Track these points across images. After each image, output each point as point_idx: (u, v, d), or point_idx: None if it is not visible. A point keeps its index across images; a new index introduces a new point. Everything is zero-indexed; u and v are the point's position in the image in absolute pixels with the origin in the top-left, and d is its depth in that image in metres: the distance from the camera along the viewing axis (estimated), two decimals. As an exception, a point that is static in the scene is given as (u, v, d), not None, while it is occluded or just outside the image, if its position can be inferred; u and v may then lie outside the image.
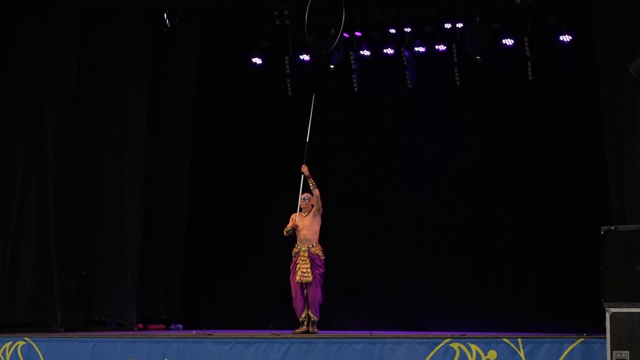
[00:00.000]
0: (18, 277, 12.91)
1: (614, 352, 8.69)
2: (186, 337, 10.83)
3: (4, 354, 11.13)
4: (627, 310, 8.71)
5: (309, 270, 11.37)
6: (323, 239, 11.61)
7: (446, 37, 13.69)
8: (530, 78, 13.29)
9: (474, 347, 9.58)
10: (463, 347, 9.60)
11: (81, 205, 13.77)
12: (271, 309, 13.35)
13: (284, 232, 11.58)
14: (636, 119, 11.20)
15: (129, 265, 13.64)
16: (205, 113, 14.90)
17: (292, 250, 11.56)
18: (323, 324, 11.69)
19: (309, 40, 12.89)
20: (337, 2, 12.24)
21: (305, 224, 11.53)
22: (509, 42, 13.34)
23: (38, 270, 12.95)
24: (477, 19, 13.33)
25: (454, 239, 13.69)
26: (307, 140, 11.69)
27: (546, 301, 12.97)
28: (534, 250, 13.16)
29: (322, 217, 11.61)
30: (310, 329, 11.32)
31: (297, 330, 11.35)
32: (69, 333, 12.45)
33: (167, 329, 14.11)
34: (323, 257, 11.50)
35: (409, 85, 14.09)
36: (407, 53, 13.96)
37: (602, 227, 9.00)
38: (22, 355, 11.09)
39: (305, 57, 14.43)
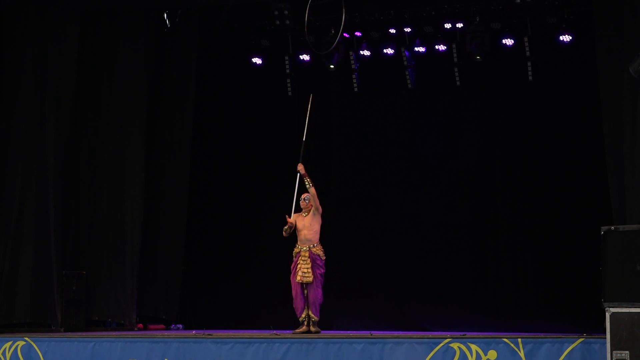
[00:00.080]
0: (18, 277, 12.91)
1: (614, 352, 8.69)
2: (186, 337, 10.82)
3: (4, 354, 11.13)
4: (627, 310, 8.71)
5: (309, 270, 11.37)
6: (323, 239, 11.61)
7: (446, 37, 13.69)
8: (530, 78, 13.29)
9: (474, 347, 9.58)
10: (463, 347, 9.60)
11: (81, 205, 13.76)
12: (271, 309, 13.35)
13: (283, 233, 11.59)
14: (636, 119, 11.20)
15: (129, 265, 13.64)
16: (205, 113, 14.90)
17: (293, 250, 11.57)
18: (323, 324, 11.68)
19: (309, 40, 12.90)
20: (337, 2, 12.24)
21: (306, 223, 11.53)
22: (509, 42, 13.34)
23: (38, 270, 12.95)
24: (477, 19, 13.33)
25: (454, 239, 13.70)
26: (304, 139, 11.71)
27: (546, 301, 12.97)
28: (534, 250, 13.16)
29: (322, 217, 11.61)
30: (312, 329, 11.32)
31: (297, 330, 11.35)
32: (69, 333, 12.45)
33: (167, 329, 14.11)
34: (324, 257, 11.50)
35: (409, 85, 14.09)
36: (407, 53, 13.96)
37: (602, 227, 9.00)
38: (22, 355, 11.09)
39: (305, 57, 14.43)
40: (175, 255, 14.45)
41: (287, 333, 11.22)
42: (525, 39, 13.19)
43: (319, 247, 11.52)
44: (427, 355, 9.69)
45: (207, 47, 14.74)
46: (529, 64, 13.23)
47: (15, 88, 13.17)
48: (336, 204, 13.95)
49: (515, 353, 9.45)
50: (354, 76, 14.25)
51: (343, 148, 14.57)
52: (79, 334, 12.23)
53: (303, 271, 11.38)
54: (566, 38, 13.01)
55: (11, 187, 13.02)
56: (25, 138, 13.10)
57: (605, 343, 8.82)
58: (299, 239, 11.56)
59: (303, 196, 11.60)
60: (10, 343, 11.19)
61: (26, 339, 11.19)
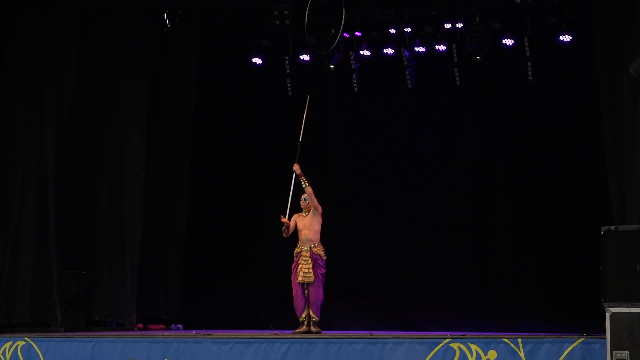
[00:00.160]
0: (18, 277, 12.91)
1: (614, 352, 8.69)
2: (186, 337, 10.82)
3: (4, 354, 11.13)
4: (627, 310, 8.71)
5: (310, 270, 11.37)
6: (323, 239, 11.62)
7: (446, 37, 13.69)
8: (530, 78, 13.29)
9: (474, 347, 9.58)
10: (463, 347, 9.60)
11: (81, 205, 13.76)
12: (271, 309, 13.35)
13: (283, 234, 11.60)
14: (636, 119, 11.20)
15: (129, 265, 13.64)
16: (205, 113, 14.90)
17: (294, 250, 11.57)
18: (323, 324, 11.68)
19: (309, 40, 12.90)
20: (337, 2, 12.24)
21: (306, 223, 11.54)
22: (509, 42, 13.34)
23: (38, 270, 12.95)
24: (477, 19, 13.33)
25: (454, 239, 13.70)
26: (300, 139, 11.73)
27: (546, 301, 12.98)
28: (534, 250, 13.16)
29: (323, 217, 11.61)
30: (312, 329, 11.32)
31: (297, 330, 11.35)
32: (69, 333, 12.45)
33: (167, 329, 14.11)
34: (325, 257, 11.50)
35: (409, 85, 14.09)
36: (407, 53, 13.96)
37: (602, 227, 9.00)
38: (22, 355, 11.08)
39: (305, 57, 14.43)
40: (175, 255, 14.46)
41: (287, 333, 11.22)
42: (525, 39, 13.19)
43: (320, 247, 11.53)
44: (427, 355, 9.68)
45: (207, 47, 14.74)
46: (529, 64, 13.23)
47: (15, 88, 13.16)
48: (336, 204, 13.95)
49: (515, 353, 9.45)
50: (354, 76, 14.26)
51: (343, 148, 14.57)
52: (79, 334, 12.22)
53: (304, 271, 11.38)
54: (566, 38, 13.02)
55: (11, 187, 13.02)
56: (25, 138, 13.10)
57: (605, 343, 8.82)
58: (299, 239, 11.56)
59: (303, 196, 11.62)
60: (10, 343, 11.19)
61: (26, 339, 11.19)
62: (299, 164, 11.60)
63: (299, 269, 11.43)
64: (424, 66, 14.05)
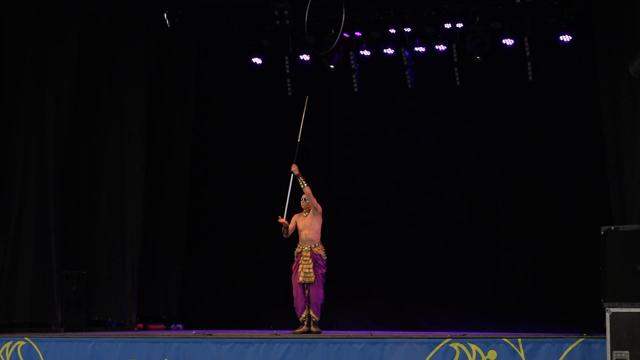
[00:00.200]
0: (18, 277, 12.91)
1: (614, 352, 8.69)
2: (186, 337, 10.82)
3: (4, 354, 11.13)
4: (627, 310, 8.71)
5: (311, 270, 11.37)
6: (323, 239, 11.62)
7: (446, 37, 13.69)
8: (530, 78, 13.29)
9: (474, 347, 9.58)
10: (463, 347, 9.60)
11: (81, 205, 13.77)
12: (271, 309, 13.34)
13: (283, 235, 11.60)
14: (636, 119, 11.20)
15: (129, 265, 13.64)
16: (205, 113, 14.91)
17: (294, 250, 11.57)
18: (323, 324, 11.68)
19: (309, 40, 12.90)
20: (337, 2, 12.24)
21: (306, 223, 11.54)
22: (509, 42, 13.34)
23: (38, 270, 12.95)
24: (477, 19, 13.33)
25: (454, 239, 13.70)
26: (299, 140, 11.73)
27: (546, 301, 12.98)
28: (534, 250, 13.16)
29: (323, 217, 11.62)
30: (312, 329, 11.32)
31: (297, 330, 11.35)
32: (69, 333, 12.45)
33: (167, 329, 14.11)
34: (325, 257, 11.51)
35: (409, 85, 14.09)
36: (407, 53, 13.96)
37: (602, 227, 9.00)
38: (22, 355, 11.08)
39: (305, 57, 14.43)
40: (175, 255, 14.46)
41: (287, 333, 11.22)
42: (525, 39, 13.19)
43: (321, 247, 11.53)
44: (427, 355, 9.68)
45: (207, 47, 14.74)
46: (529, 64, 13.23)
47: (15, 88, 13.16)
48: (336, 204, 13.95)
49: (515, 353, 9.45)
50: (354, 76, 14.26)
51: (343, 148, 14.57)
52: (79, 334, 12.23)
53: (305, 271, 11.38)
54: (566, 38, 13.02)
55: (11, 187, 13.02)
56: (25, 138, 13.10)
57: (605, 343, 8.82)
58: (300, 239, 11.57)
59: (303, 196, 11.63)
60: (10, 343, 11.19)
61: (26, 339, 11.19)
62: (297, 164, 11.61)
63: (299, 269, 11.43)
64: (424, 66, 14.05)
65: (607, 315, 8.78)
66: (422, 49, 13.91)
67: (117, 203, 13.73)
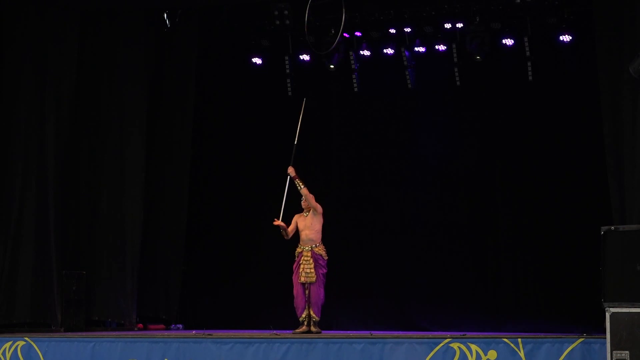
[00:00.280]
0: (18, 277, 12.91)
1: (614, 352, 8.69)
2: (186, 337, 10.82)
3: (4, 354, 11.13)
4: (627, 310, 8.71)
5: (312, 270, 11.38)
6: (323, 239, 11.62)
7: (446, 37, 13.69)
8: (530, 78, 13.29)
9: (474, 347, 9.58)
10: (463, 347, 9.60)
11: (81, 205, 13.77)
12: (271, 309, 13.35)
13: (284, 237, 11.61)
14: (636, 119, 11.20)
15: (129, 265, 13.64)
16: (205, 113, 14.91)
17: (295, 250, 11.57)
18: (323, 324, 11.69)
19: (309, 40, 12.90)
20: (337, 2, 12.24)
21: (307, 223, 11.55)
22: (509, 42, 13.34)
23: (38, 270, 12.94)
24: (477, 19, 13.33)
25: (454, 239, 13.70)
26: (295, 142, 11.73)
27: (546, 301, 12.97)
28: (534, 250, 13.16)
29: (323, 217, 11.62)
30: (312, 329, 11.32)
31: (297, 330, 11.35)
32: (69, 333, 12.44)
33: (167, 329, 14.11)
34: (326, 257, 11.52)
35: (409, 85, 14.09)
36: (407, 53, 13.96)
37: (602, 227, 9.00)
38: (22, 355, 11.08)
39: (305, 57, 14.43)
40: (175, 255, 14.46)
41: (287, 333, 11.22)
42: (525, 39, 13.19)
43: (321, 247, 11.53)
44: (427, 355, 9.69)
45: (207, 47, 14.74)
46: (529, 64, 13.23)
47: (15, 88, 13.16)
48: (336, 204, 13.95)
49: (515, 353, 9.45)
50: (354, 76, 14.26)
51: (343, 148, 14.57)
52: (79, 334, 12.23)
53: (306, 271, 11.39)
54: (566, 38, 13.01)
55: (11, 187, 13.02)
56: (25, 138, 13.09)
57: (605, 343, 8.82)
58: (301, 239, 11.58)
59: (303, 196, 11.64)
60: (10, 343, 11.19)
61: (26, 339, 11.19)
62: (294, 166, 11.61)
63: (300, 269, 11.43)
64: (424, 66, 14.05)
65: (607, 315, 8.78)
66: (422, 49, 13.91)
67: (117, 203, 13.73)
